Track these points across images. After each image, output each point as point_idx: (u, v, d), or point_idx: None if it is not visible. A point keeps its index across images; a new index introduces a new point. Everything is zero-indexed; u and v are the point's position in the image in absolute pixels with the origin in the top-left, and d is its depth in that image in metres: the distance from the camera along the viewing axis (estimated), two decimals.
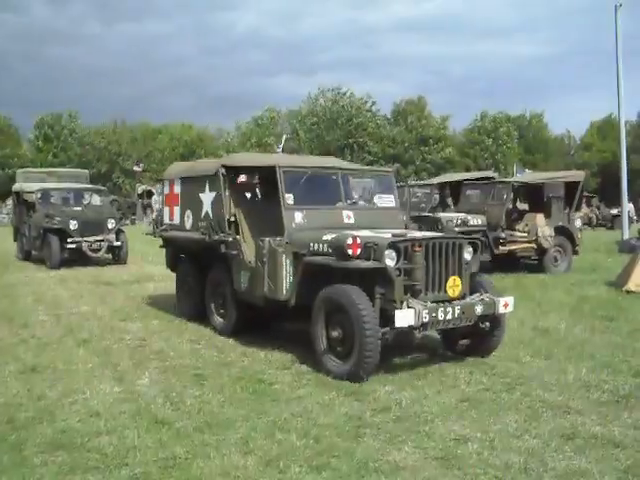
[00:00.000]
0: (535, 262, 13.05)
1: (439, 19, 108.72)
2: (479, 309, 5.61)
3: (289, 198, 6.41)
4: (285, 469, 3.67)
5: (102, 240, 14.18)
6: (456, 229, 12.02)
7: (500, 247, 12.50)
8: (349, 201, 7.03)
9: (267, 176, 7.05)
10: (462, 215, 12.99)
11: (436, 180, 18.14)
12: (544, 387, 5.18)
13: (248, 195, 7.90)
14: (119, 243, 14.49)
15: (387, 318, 5.26)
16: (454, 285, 5.70)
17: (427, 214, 14.18)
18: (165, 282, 11.08)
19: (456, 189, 15.46)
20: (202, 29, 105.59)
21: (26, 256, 15.61)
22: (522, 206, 14.88)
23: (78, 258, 14.19)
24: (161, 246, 8.99)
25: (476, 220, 12.78)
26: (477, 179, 15.67)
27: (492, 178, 15.77)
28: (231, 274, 6.87)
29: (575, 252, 13.19)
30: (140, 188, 36.72)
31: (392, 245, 5.43)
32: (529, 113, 55.83)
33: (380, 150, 48.07)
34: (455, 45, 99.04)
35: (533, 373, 5.59)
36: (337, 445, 4.01)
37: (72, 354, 6.29)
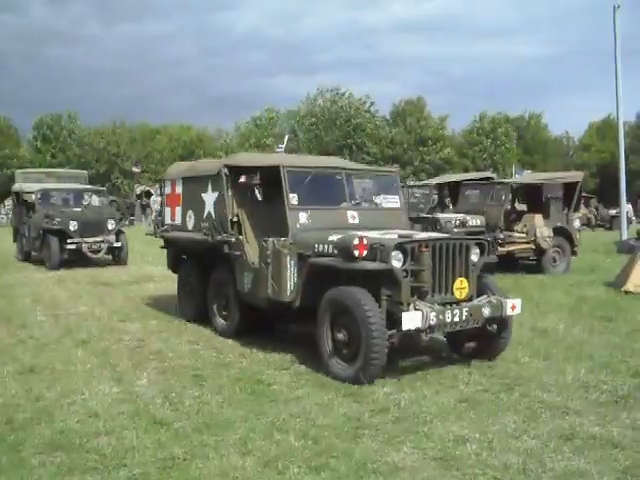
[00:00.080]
0: (534, 263, 13.05)
1: (439, 19, 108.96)
2: (487, 311, 5.54)
3: (293, 198, 6.33)
4: (284, 470, 3.67)
5: (102, 241, 14.08)
6: (455, 230, 12.02)
7: (499, 248, 12.49)
8: (353, 201, 6.95)
9: (270, 176, 6.96)
10: (461, 216, 13.00)
11: (435, 181, 18.16)
12: (543, 388, 5.18)
13: (250, 195, 7.82)
14: (119, 244, 14.40)
15: (393, 320, 5.18)
16: (461, 287, 5.62)
17: (426, 215, 14.19)
18: (164, 283, 11.09)
19: (455, 190, 15.47)
20: (202, 29, 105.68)
21: (26, 257, 15.54)
22: (521, 207, 14.90)
23: (78, 259, 14.14)
24: (162, 247, 8.91)
25: (475, 221, 12.79)
26: (476, 180, 15.69)
27: (491, 179, 15.80)
28: (234, 275, 6.79)
29: (574, 253, 13.19)
30: (139, 189, 36.71)
31: (399, 246, 5.34)
32: (528, 114, 55.96)
33: (379, 151, 48.06)
34: (455, 45, 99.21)
35: (532, 374, 5.60)
36: (336, 446, 4.01)
37: (71, 355, 6.29)
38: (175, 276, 8.81)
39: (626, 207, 21.20)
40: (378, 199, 7.27)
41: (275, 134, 49.22)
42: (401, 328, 5.07)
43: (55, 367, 5.83)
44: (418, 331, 5.17)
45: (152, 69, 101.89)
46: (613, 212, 30.63)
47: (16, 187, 16.91)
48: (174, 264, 8.78)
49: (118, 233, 14.46)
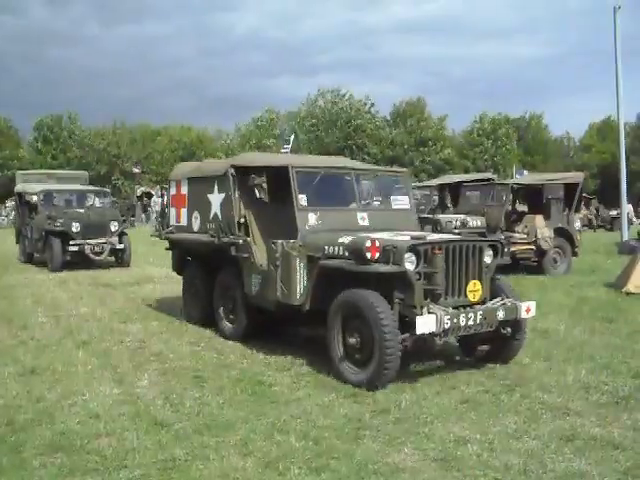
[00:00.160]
0: (534, 264, 13.04)
1: (439, 20, 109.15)
2: (501, 314, 5.43)
3: (302, 199, 6.20)
4: (284, 471, 3.67)
5: (105, 243, 13.95)
6: (455, 231, 12.01)
7: None
8: (363, 202, 6.81)
9: (277, 176, 6.79)
10: (461, 217, 12.98)
11: (435, 182, 18.15)
12: (543, 389, 5.18)
13: (258, 196, 7.51)
14: (122, 246, 14.27)
15: (406, 324, 5.09)
16: (474, 289, 5.52)
17: (426, 215, 14.18)
18: (165, 284, 11.11)
19: (455, 190, 15.46)
20: (201, 30, 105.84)
21: (28, 259, 15.38)
22: (521, 208, 14.89)
23: (81, 261, 14.01)
24: (167, 248, 8.77)
25: (475, 222, 12.78)
26: (476, 181, 15.69)
27: (491, 179, 15.80)
28: (241, 278, 6.66)
29: (574, 253, 13.18)
30: (139, 190, 36.72)
31: (412, 248, 5.23)
32: (528, 114, 55.97)
33: (379, 152, 48.07)
34: (455, 46, 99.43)
35: (532, 375, 5.60)
36: (336, 447, 4.01)
37: (71, 356, 6.29)
38: (177, 277, 8.79)
39: (627, 208, 21.18)
40: (388, 199, 7.12)
41: (276, 135, 49.28)
42: (414, 332, 4.97)
43: (56, 368, 5.83)
44: (432, 335, 5.07)
45: (152, 70, 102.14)
46: (614, 213, 30.60)
47: (19, 188, 16.74)
48: (179, 266, 8.63)
49: (121, 235, 14.34)
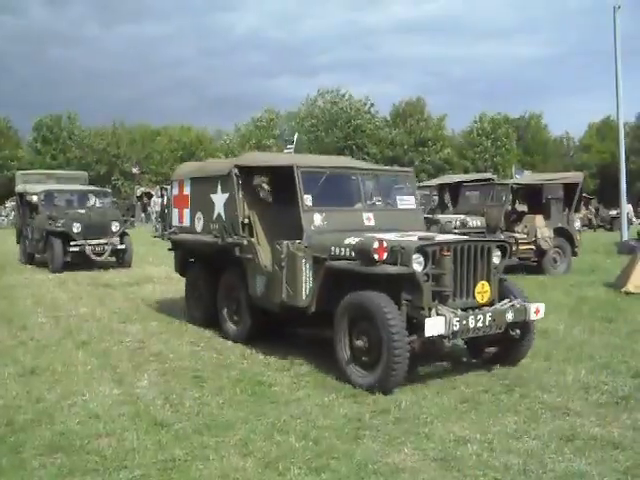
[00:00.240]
0: (534, 263, 13.04)
1: (439, 20, 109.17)
2: (510, 316, 5.38)
3: (307, 199, 6.10)
4: (284, 471, 3.67)
5: (106, 243, 13.87)
6: (455, 231, 12.02)
7: None
8: (369, 202, 6.72)
9: (281, 177, 6.66)
10: (461, 217, 13.00)
11: (435, 182, 18.15)
12: (543, 388, 5.18)
13: (262, 196, 7.32)
14: (123, 246, 14.20)
15: (414, 326, 5.03)
16: (483, 291, 5.46)
17: (426, 215, 14.17)
18: (165, 284, 11.11)
19: (455, 191, 15.46)
20: (201, 30, 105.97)
21: (29, 260, 15.26)
22: (521, 207, 14.88)
23: (82, 261, 13.91)
24: (170, 249, 8.70)
25: (475, 222, 12.78)
26: (476, 181, 15.69)
27: (491, 179, 15.81)
28: (245, 279, 6.59)
29: (574, 253, 13.20)
30: (139, 190, 36.71)
31: (420, 249, 5.16)
32: (528, 114, 55.98)
33: (379, 152, 48.08)
34: (455, 46, 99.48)
35: (532, 374, 5.60)
36: (336, 447, 4.01)
37: (71, 356, 6.28)
38: (177, 277, 8.77)
39: (626, 208, 21.19)
40: (394, 199, 7.06)
41: (276, 135, 49.28)
42: (422, 333, 4.90)
43: (56, 369, 5.83)
44: (441, 337, 5.00)
45: (152, 70, 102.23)
46: (613, 213, 30.62)
47: (20, 188, 16.62)
48: (182, 267, 8.55)
49: (122, 235, 14.28)
